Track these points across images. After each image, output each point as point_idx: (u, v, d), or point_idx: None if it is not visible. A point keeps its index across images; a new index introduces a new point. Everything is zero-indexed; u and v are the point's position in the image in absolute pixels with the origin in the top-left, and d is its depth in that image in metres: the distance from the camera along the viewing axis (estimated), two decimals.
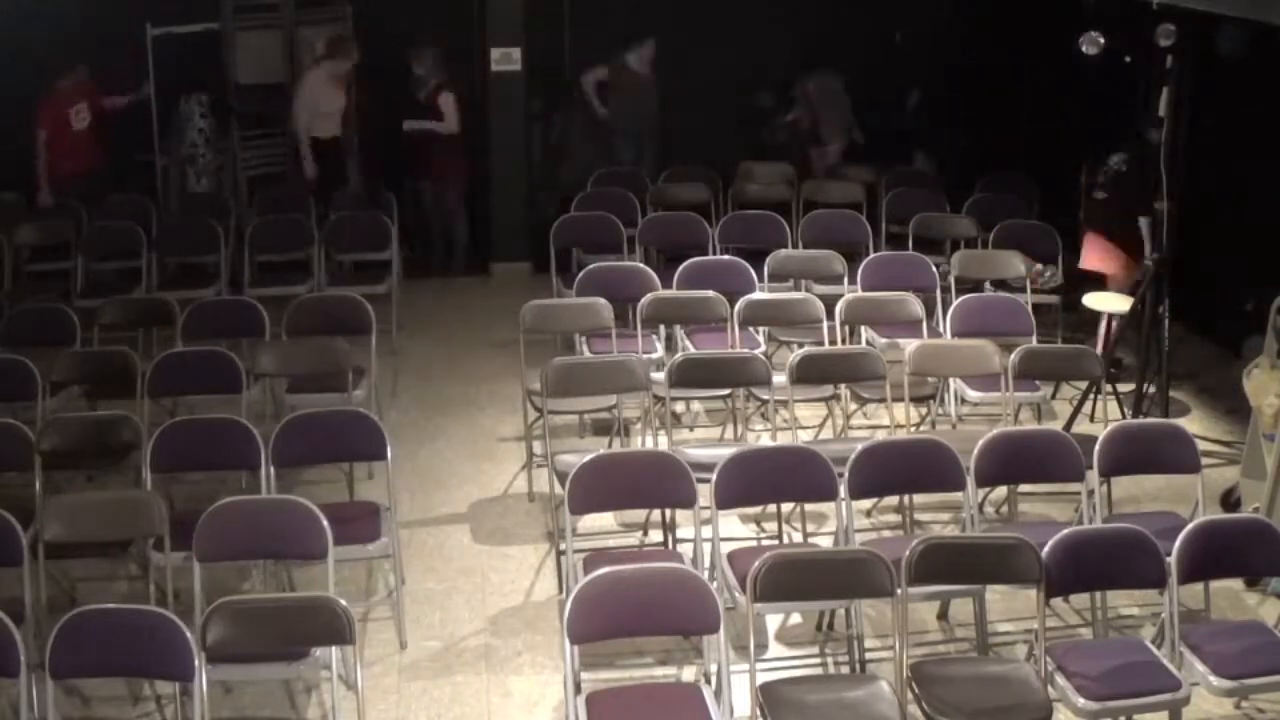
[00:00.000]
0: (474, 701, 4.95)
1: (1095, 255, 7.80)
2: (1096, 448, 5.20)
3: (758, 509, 5.89)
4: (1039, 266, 7.90)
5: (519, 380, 6.60)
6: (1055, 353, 6.68)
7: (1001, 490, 5.91)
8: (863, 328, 7.00)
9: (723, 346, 6.77)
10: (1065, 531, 4.50)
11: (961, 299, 6.98)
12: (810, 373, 6.09)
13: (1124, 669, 4.26)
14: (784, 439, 6.06)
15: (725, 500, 4.98)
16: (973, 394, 6.41)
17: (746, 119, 10.46)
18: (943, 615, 5.39)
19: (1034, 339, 6.74)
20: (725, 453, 5.09)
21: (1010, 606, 5.33)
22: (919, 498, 5.61)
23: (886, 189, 9.00)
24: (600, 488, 4.98)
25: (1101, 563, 4.46)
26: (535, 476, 6.46)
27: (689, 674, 5.04)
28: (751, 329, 6.95)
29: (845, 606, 4.91)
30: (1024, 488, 6.00)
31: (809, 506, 5.63)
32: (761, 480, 5.06)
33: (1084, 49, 6.67)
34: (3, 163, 8.82)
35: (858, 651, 4.91)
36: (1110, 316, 7.37)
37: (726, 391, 6.57)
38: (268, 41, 9.74)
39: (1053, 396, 7.12)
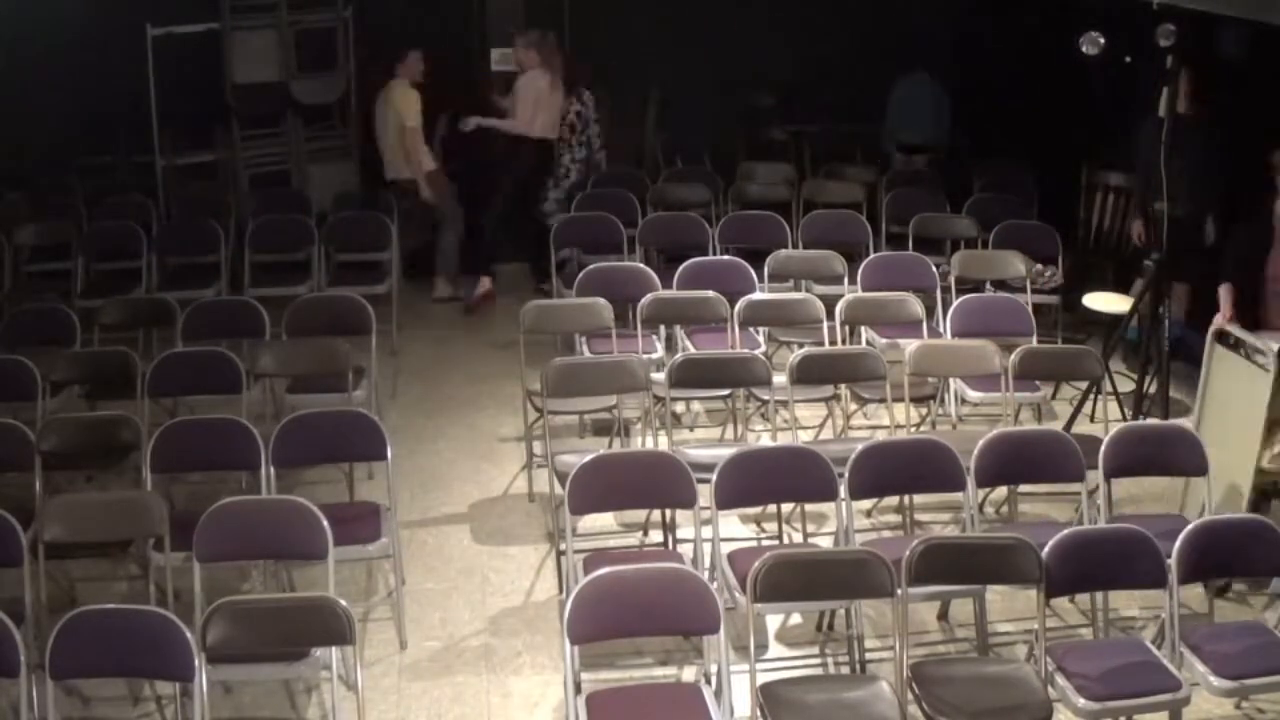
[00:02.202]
0: (474, 702, 4.94)
1: None
2: (1102, 448, 5.20)
3: (758, 509, 5.89)
4: (1039, 266, 7.90)
5: (519, 380, 6.60)
6: (1055, 353, 6.68)
7: (1001, 490, 5.91)
8: (863, 328, 7.00)
9: (723, 347, 6.77)
10: (1065, 532, 4.50)
11: (961, 299, 6.97)
12: (810, 373, 6.09)
13: (1124, 669, 4.26)
14: (784, 439, 6.05)
15: (725, 500, 4.98)
16: (973, 394, 6.41)
17: (746, 119, 10.46)
18: (943, 615, 5.39)
19: (1034, 339, 6.74)
20: (725, 453, 5.09)
21: (1010, 606, 5.33)
22: (919, 498, 5.61)
23: (886, 189, 9.00)
24: (600, 488, 4.98)
25: (1101, 563, 4.46)
26: (535, 477, 6.46)
27: (689, 674, 5.03)
28: (751, 329, 6.94)
29: (845, 607, 4.90)
30: (1024, 488, 6.00)
31: (809, 506, 5.63)
32: (761, 480, 5.05)
33: (1084, 49, 6.65)
34: (3, 162, 8.81)
35: (858, 652, 4.91)
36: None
37: (726, 392, 6.57)
38: (266, 41, 9.73)
39: (1053, 396, 7.12)
